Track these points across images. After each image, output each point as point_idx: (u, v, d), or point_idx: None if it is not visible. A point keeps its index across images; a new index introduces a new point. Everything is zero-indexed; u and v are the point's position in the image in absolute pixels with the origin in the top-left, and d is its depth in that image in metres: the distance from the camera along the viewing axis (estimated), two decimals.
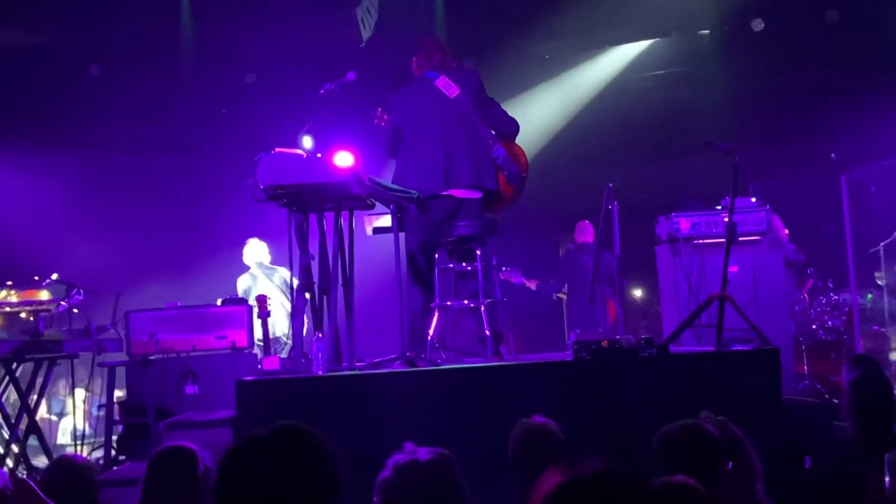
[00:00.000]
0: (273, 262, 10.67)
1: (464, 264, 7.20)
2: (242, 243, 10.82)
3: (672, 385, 5.85)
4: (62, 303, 8.60)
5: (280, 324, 10.78)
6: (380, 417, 5.86)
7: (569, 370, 5.99)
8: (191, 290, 10.75)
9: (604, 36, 12.11)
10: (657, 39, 12.17)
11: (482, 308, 6.90)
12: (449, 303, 7.20)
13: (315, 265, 7.03)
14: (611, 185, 8.35)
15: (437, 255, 7.17)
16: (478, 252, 6.96)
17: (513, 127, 7.58)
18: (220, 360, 8.26)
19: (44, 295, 8.82)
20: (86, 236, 11.45)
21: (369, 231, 8.13)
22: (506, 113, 7.61)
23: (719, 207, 8.43)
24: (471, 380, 6.03)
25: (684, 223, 8.32)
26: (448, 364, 6.70)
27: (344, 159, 7.18)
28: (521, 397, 5.84)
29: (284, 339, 10.85)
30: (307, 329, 7.85)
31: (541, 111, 12.28)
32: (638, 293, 11.96)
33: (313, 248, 7.04)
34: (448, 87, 7.37)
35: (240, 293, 10.58)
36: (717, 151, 6.97)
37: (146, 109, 11.52)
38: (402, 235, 7.22)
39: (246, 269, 10.72)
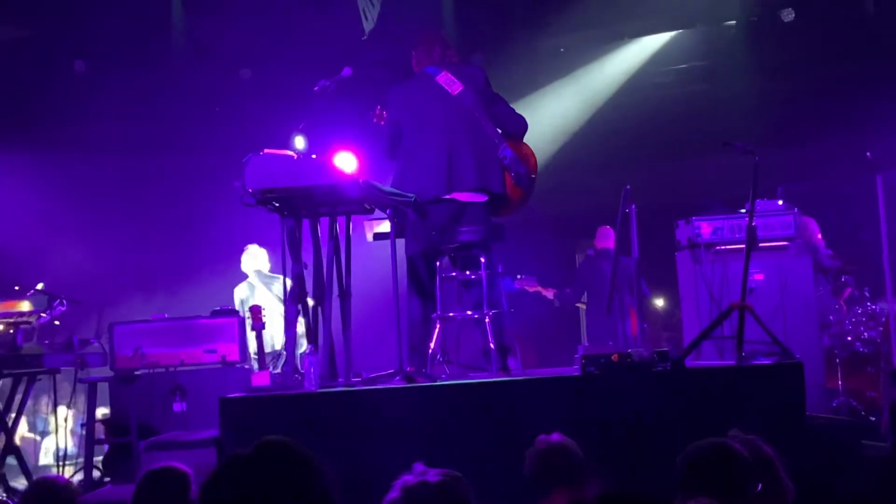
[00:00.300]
0: (273, 271, 10.59)
1: (467, 272, 7.08)
2: (239, 250, 10.73)
3: (688, 402, 5.75)
4: (43, 314, 8.52)
5: (280, 336, 10.69)
6: (376, 437, 5.80)
7: (576, 386, 5.88)
8: (183, 301, 10.69)
9: (623, 28, 12.02)
10: (680, 31, 12.06)
11: (486, 319, 6.78)
12: (452, 314, 7.08)
13: (310, 274, 6.93)
14: (628, 186, 8.24)
15: (438, 263, 7.03)
16: (482, 259, 6.84)
17: (521, 125, 7.47)
18: (210, 375, 8.20)
19: (24, 306, 8.74)
20: (69, 242, 11.38)
21: (370, 237, 8.05)
22: (513, 110, 7.50)
23: (743, 210, 8.28)
24: (471, 396, 5.94)
25: (705, 227, 8.20)
26: (450, 379, 6.59)
27: (345, 161, 7.10)
28: (525, 415, 5.76)
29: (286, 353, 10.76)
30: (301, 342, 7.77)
31: (555, 108, 12.21)
32: (660, 303, 11.82)
33: (307, 255, 6.94)
34: (450, 83, 7.25)
35: (237, 304, 10.51)
36: (736, 151, 6.79)
37: (134, 108, 11.41)
38: (400, 242, 7.12)
39: (244, 277, 10.63)
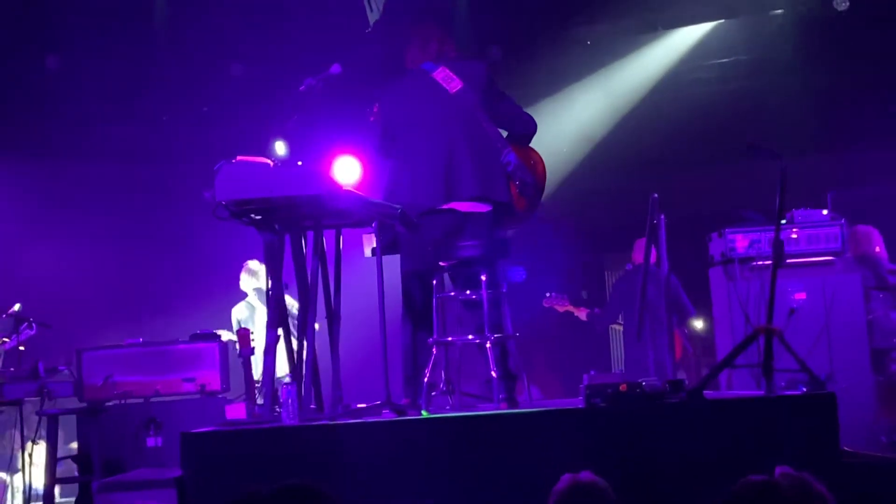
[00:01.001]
0: None
1: (468, 292, 7.03)
2: (233, 266, 10.75)
3: (706, 437, 5.69)
4: (6, 339, 8.59)
5: (283, 363, 10.69)
6: (360, 475, 5.75)
7: (580, 420, 5.82)
8: (171, 323, 10.70)
9: (657, 17, 11.89)
10: (721, 21, 11.94)
11: (488, 345, 6.74)
12: (450, 338, 7.04)
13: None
14: (656, 195, 8.19)
15: (435, 281, 6.99)
16: (482, 277, 6.79)
17: (528, 127, 7.44)
18: (188, 406, 8.23)
19: None
20: (38, 258, 11.41)
21: (368, 252, 8.01)
22: (520, 110, 7.46)
23: (784, 221, 8.23)
24: (462, 431, 5.88)
25: (741, 241, 8.17)
26: (451, 411, 6.57)
27: (346, 167, 7.10)
28: (522, 452, 5.72)
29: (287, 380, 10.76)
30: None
31: (581, 108, 12.17)
32: (699, 324, 11.76)
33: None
34: (448, 80, 7.22)
35: (234, 325, 10.53)
36: (762, 155, 6.73)
37: (111, 108, 11.44)
38: (391, 259, 7.10)
39: (243, 296, 10.66)
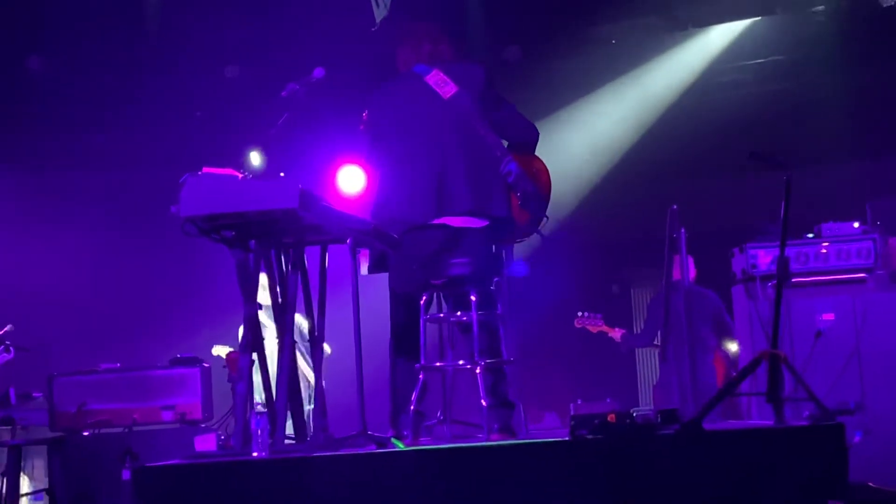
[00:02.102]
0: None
1: (459, 313, 6.90)
2: (229, 282, 10.63)
3: (701, 471, 5.51)
4: None
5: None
6: None
7: (565, 453, 5.66)
8: (166, 344, 10.57)
9: (687, 15, 11.74)
10: (756, 19, 11.79)
11: (477, 371, 6.60)
12: (439, 363, 6.93)
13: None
14: (675, 206, 8.06)
15: (422, 302, 6.85)
16: (472, 298, 6.65)
17: (530, 134, 7.30)
18: (168, 436, 8.11)
19: None
20: (14, 273, 11.35)
21: (364, 270, 7.91)
22: (521, 116, 7.32)
23: (810, 235, 8.07)
24: (440, 465, 5.74)
25: (763, 257, 8.02)
26: (442, 443, 6.50)
27: (350, 177, 7.02)
28: (504, 487, 5.59)
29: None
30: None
31: (606, 113, 12.01)
32: (733, 347, 11.59)
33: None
34: (442, 84, 7.07)
35: (241, 344, 10.46)
36: (765, 164, 6.59)
37: (98, 112, 11.39)
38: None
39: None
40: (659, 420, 5.69)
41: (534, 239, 7.53)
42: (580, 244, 12.35)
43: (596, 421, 5.65)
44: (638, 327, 12.34)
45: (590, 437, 5.64)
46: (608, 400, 5.92)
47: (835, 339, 7.81)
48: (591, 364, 11.71)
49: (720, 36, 11.95)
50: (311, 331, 7.17)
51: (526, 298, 12.14)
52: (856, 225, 8.15)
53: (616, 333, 11.24)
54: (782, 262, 6.27)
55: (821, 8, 11.48)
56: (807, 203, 10.98)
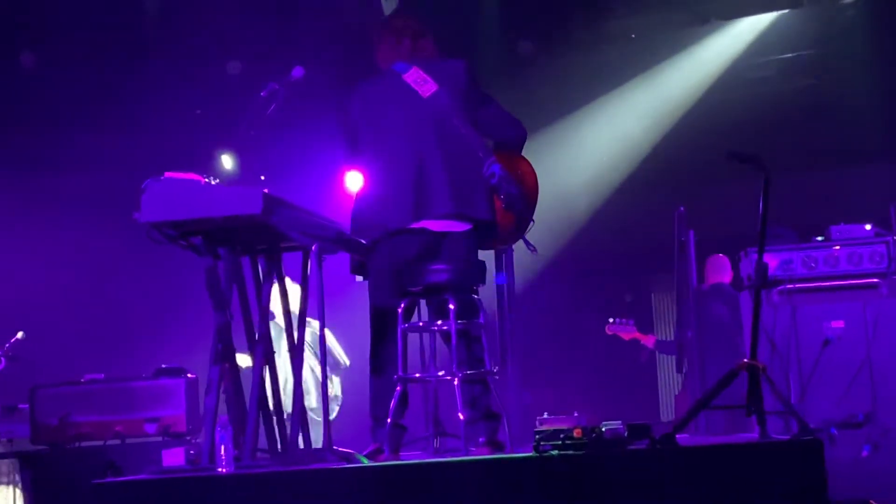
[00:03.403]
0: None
1: (440, 322, 6.82)
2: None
3: (672, 488, 5.42)
4: None
5: (311, 395, 10.62)
6: None
7: (530, 470, 5.57)
8: (157, 354, 10.54)
9: (710, 8, 11.71)
10: (783, 11, 11.69)
11: (455, 382, 6.52)
12: (417, 375, 6.86)
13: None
14: (682, 208, 7.95)
15: (400, 310, 6.75)
16: (451, 307, 6.55)
17: (516, 133, 7.21)
18: (152, 449, 8.05)
19: None
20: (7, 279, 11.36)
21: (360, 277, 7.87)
22: (507, 114, 7.20)
23: (820, 238, 7.92)
24: (401, 481, 5.72)
25: (770, 261, 7.84)
26: (428, 457, 6.51)
27: (356, 182, 6.97)
28: None
29: (313, 415, 10.66)
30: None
31: (625, 111, 11.88)
32: None
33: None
34: (421, 81, 6.98)
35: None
36: (746, 165, 6.47)
37: (95, 111, 11.33)
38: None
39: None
40: (628, 435, 5.54)
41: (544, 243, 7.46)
42: (599, 248, 12.27)
43: (561, 436, 5.55)
44: (660, 333, 12.26)
45: (555, 452, 5.54)
46: (575, 413, 5.79)
47: (844, 347, 7.62)
48: (612, 372, 11.58)
49: (744, 30, 11.87)
50: (290, 339, 7.14)
51: (543, 306, 12.13)
52: (868, 227, 7.97)
53: (649, 340, 11.15)
54: (760, 267, 6.18)
55: (850, 0, 11.34)
56: (832, 204, 10.93)
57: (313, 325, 10.43)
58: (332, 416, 10.72)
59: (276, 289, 10.30)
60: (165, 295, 11.52)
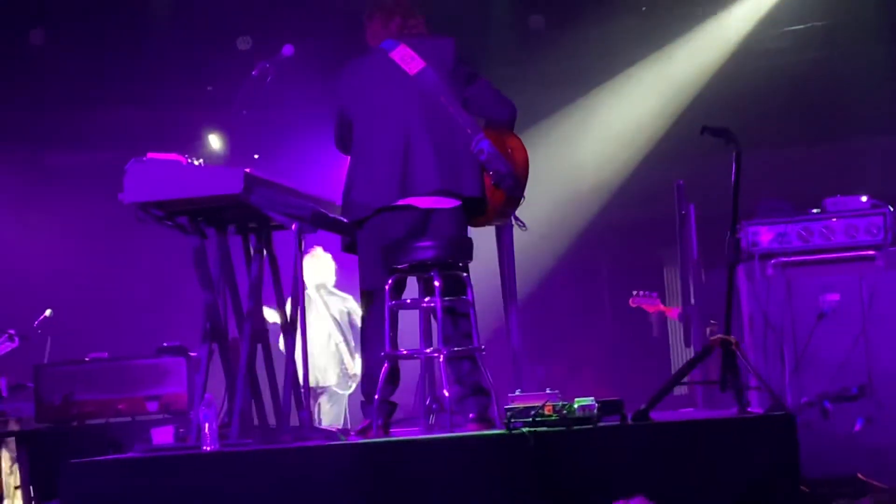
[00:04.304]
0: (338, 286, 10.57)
1: (427, 299, 6.81)
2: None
3: (645, 464, 5.43)
4: None
5: (333, 369, 10.64)
6: None
7: (501, 447, 5.58)
8: (163, 333, 10.57)
9: None
10: None
11: (440, 358, 6.51)
12: (405, 351, 6.84)
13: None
14: (681, 181, 7.90)
15: (387, 287, 6.74)
16: (436, 284, 6.54)
17: (505, 110, 7.15)
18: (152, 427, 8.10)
19: None
20: (20, 256, 11.38)
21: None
22: (496, 91, 7.17)
23: (816, 210, 7.82)
24: (374, 460, 5.72)
25: (764, 234, 7.75)
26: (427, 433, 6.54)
27: None
28: (438, 483, 5.54)
29: (338, 390, 10.72)
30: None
31: (639, 84, 11.79)
32: None
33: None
34: (408, 59, 6.96)
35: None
36: (718, 138, 6.42)
37: (106, 88, 11.34)
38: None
39: None
40: (599, 412, 5.51)
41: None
42: (621, 222, 12.21)
43: (532, 413, 5.53)
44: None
45: (525, 429, 5.52)
46: (547, 390, 5.77)
47: (839, 321, 7.51)
48: (624, 347, 11.55)
49: (758, 2, 11.68)
50: (284, 320, 7.16)
51: (555, 280, 12.10)
52: (864, 199, 7.86)
53: (674, 313, 11.09)
54: (731, 243, 6.13)
55: None
56: (847, 177, 10.81)
57: (348, 301, 10.50)
58: (349, 390, 10.75)
59: (320, 253, 10.42)
60: (169, 273, 11.50)
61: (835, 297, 7.62)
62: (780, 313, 7.56)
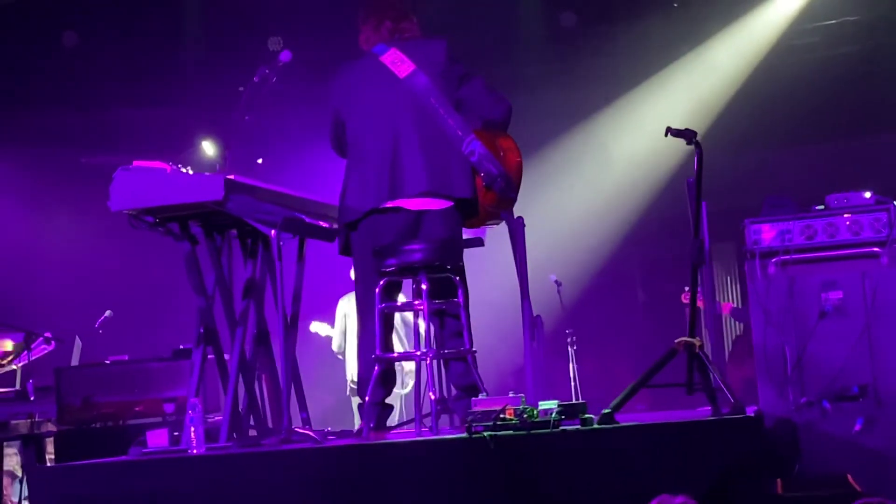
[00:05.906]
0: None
1: (417, 301, 6.77)
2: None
3: (607, 468, 5.36)
4: (2, 363, 8.69)
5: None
6: None
7: (462, 451, 5.53)
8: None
9: None
10: None
11: (427, 362, 6.48)
12: (395, 353, 6.83)
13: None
14: (691, 179, 7.79)
15: (378, 290, 6.71)
16: (423, 286, 6.50)
17: (499, 109, 7.05)
18: (172, 429, 8.14)
19: (7, 345, 8.92)
20: (50, 259, 11.44)
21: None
22: (490, 90, 7.09)
23: (820, 207, 7.68)
24: (335, 464, 5.73)
25: (767, 231, 7.61)
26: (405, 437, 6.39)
27: None
28: (404, 486, 5.53)
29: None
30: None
31: (671, 83, 11.65)
32: None
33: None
34: (399, 62, 6.95)
35: (339, 318, 10.57)
36: (677, 137, 6.32)
37: (137, 90, 11.32)
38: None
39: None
40: (559, 415, 5.44)
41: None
42: (659, 219, 12.10)
43: (493, 416, 5.48)
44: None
45: (486, 433, 5.46)
46: (510, 393, 5.71)
47: (843, 318, 7.34)
48: (656, 345, 11.43)
49: None
50: (284, 321, 7.15)
51: (589, 277, 12.02)
52: (867, 195, 7.69)
53: (725, 308, 11.01)
54: (696, 244, 6.04)
55: None
56: (879, 174, 10.59)
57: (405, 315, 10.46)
58: (406, 389, 10.73)
59: None
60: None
61: (837, 294, 7.47)
62: (782, 311, 7.42)
